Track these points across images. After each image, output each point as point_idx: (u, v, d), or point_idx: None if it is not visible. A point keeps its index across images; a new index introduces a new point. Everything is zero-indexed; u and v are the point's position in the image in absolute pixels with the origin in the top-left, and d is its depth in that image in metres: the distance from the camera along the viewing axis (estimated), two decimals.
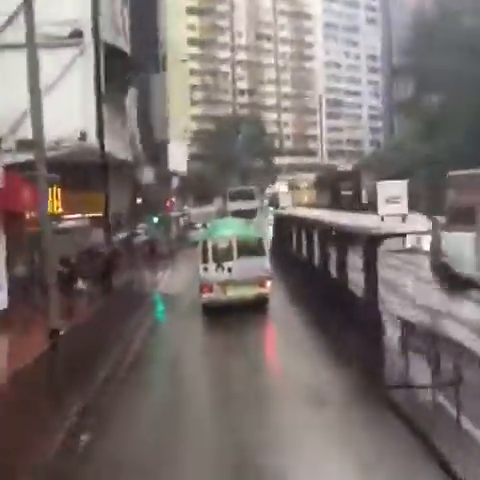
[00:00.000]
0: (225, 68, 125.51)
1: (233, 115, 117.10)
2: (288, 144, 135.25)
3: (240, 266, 23.37)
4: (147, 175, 50.85)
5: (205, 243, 24.17)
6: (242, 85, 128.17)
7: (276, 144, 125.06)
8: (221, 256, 23.67)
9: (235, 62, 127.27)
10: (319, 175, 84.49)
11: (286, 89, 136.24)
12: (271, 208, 71.39)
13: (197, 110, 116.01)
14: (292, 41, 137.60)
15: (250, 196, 62.30)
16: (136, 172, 45.56)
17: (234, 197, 61.42)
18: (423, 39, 67.55)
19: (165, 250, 47.05)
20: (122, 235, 36.87)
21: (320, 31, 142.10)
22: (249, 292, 23.16)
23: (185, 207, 74.21)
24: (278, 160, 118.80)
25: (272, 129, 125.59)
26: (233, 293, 23.17)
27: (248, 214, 47.17)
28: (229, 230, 25.16)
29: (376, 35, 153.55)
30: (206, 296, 23.55)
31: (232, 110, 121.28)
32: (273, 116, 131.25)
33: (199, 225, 56.37)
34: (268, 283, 23.69)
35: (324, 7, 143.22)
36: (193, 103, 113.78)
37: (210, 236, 24.89)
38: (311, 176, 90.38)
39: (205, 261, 23.71)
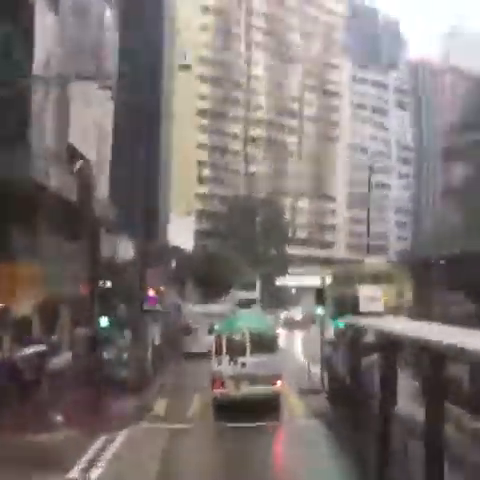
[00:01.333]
0: (237, 145, 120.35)
1: (248, 196, 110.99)
2: (301, 233, 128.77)
3: (254, 362, 24.14)
4: (124, 247, 43.68)
5: (220, 335, 25.27)
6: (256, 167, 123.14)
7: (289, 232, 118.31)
8: (235, 350, 24.46)
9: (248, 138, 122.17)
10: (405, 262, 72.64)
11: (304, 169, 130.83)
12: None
13: (204, 189, 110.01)
14: (317, 119, 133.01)
15: (253, 286, 72.25)
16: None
17: (241, 287, 70.04)
18: None
19: (132, 378, 28.55)
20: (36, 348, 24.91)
21: (346, 110, 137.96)
22: (263, 390, 23.85)
23: (179, 302, 58.43)
24: (289, 250, 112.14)
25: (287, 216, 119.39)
26: (247, 389, 23.82)
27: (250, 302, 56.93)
28: (245, 323, 25.96)
29: (405, 120, 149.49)
30: (218, 391, 24.24)
31: (246, 190, 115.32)
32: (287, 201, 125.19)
33: (200, 330, 45.31)
34: (279, 382, 24.40)
35: (350, 86, 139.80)
36: (200, 181, 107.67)
37: (225, 329, 26.06)
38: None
39: (219, 354, 24.66)
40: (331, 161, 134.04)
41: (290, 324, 68.34)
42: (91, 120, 36.44)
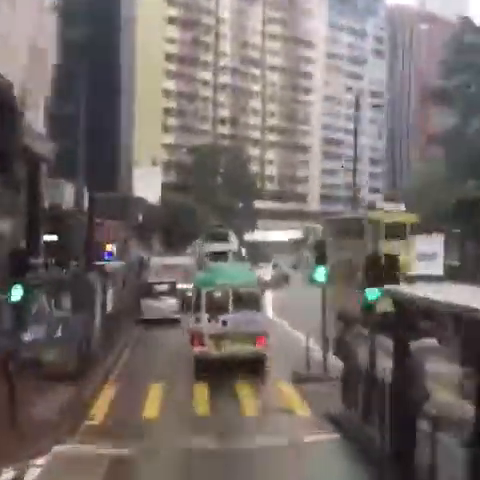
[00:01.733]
0: (205, 92, 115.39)
1: (212, 146, 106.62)
2: (271, 186, 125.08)
3: (236, 319, 22.69)
4: (63, 194, 39.64)
5: (199, 291, 23.64)
6: (223, 113, 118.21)
7: (257, 184, 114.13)
8: (215, 307, 23.09)
9: (218, 86, 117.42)
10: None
11: (273, 121, 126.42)
12: None
13: (170, 138, 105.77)
14: (284, 69, 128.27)
15: (225, 238, 65.76)
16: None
17: (211, 238, 64.35)
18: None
19: (64, 361, 20.68)
20: None
21: (321, 61, 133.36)
22: (246, 349, 22.51)
23: (143, 256, 52.36)
24: (257, 204, 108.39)
25: (254, 167, 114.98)
26: (228, 349, 22.52)
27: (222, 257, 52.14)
28: (226, 278, 24.13)
29: (381, 68, 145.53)
30: (198, 349, 22.93)
31: (213, 140, 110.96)
32: (256, 152, 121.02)
33: (164, 288, 37.94)
34: (265, 340, 22.90)
35: (327, 35, 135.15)
36: (166, 129, 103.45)
37: (205, 283, 24.02)
38: None
39: (197, 311, 23.26)
40: (304, 112, 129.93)
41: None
42: (18, 31, 30.41)
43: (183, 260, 46.15)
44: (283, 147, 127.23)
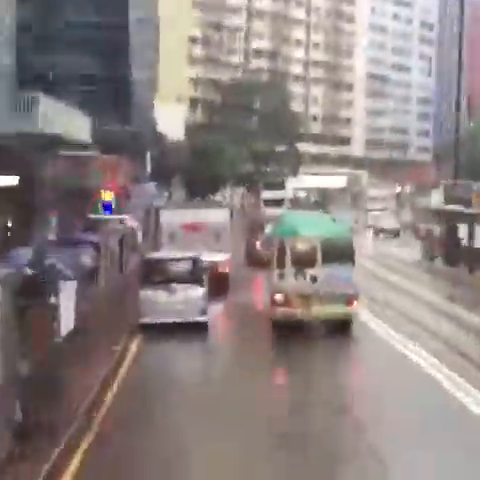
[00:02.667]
0: (238, 20, 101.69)
1: (247, 81, 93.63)
2: (315, 127, 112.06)
3: (327, 275, 20.15)
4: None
5: (282, 243, 20.72)
6: (260, 44, 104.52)
7: (301, 126, 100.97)
8: (303, 261, 20.38)
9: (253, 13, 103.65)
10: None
11: (317, 55, 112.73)
12: None
13: (196, 71, 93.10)
14: None
15: (280, 184, 70.42)
16: None
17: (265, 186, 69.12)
18: None
19: None
20: None
21: None
22: (337, 311, 20.15)
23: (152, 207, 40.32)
24: (301, 146, 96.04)
25: (296, 107, 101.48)
26: (318, 310, 19.87)
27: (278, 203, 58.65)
28: (314, 228, 21.62)
29: None
30: (281, 310, 20.14)
31: (243, 75, 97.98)
32: (298, 90, 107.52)
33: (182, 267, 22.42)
34: (355, 302, 20.43)
35: None
36: (192, 61, 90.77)
37: (289, 234, 21.08)
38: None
39: (281, 266, 20.33)
40: (348, 43, 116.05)
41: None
42: None
43: (214, 215, 30.65)
44: (327, 84, 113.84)
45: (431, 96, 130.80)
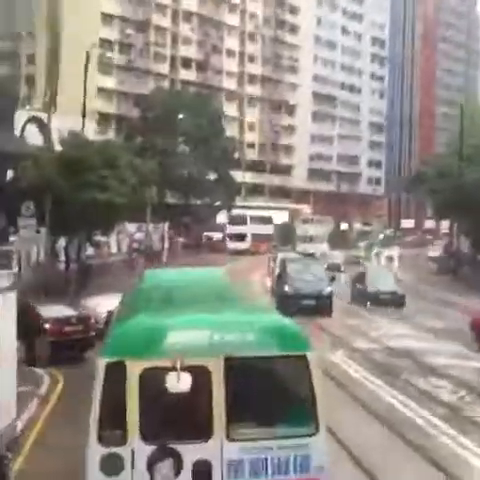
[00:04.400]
0: (162, 20, 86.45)
1: (173, 93, 79.00)
2: (251, 154, 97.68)
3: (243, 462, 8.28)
4: None
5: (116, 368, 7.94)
6: (187, 52, 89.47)
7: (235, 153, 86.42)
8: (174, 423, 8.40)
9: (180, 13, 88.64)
10: None
11: (254, 69, 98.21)
12: None
13: (109, 82, 78.04)
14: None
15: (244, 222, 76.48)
16: None
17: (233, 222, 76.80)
18: None
19: None
20: None
21: None
22: None
23: None
24: (235, 175, 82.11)
25: (230, 130, 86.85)
26: None
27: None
28: (208, 323, 8.15)
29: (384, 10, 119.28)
30: None
31: (170, 86, 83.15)
32: (232, 111, 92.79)
33: None
34: None
35: None
36: (103, 70, 75.69)
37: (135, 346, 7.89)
38: None
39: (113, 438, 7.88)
40: (290, 57, 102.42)
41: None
42: None
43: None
44: (266, 103, 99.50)
45: (383, 121, 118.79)
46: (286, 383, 8.30)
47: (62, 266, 37.70)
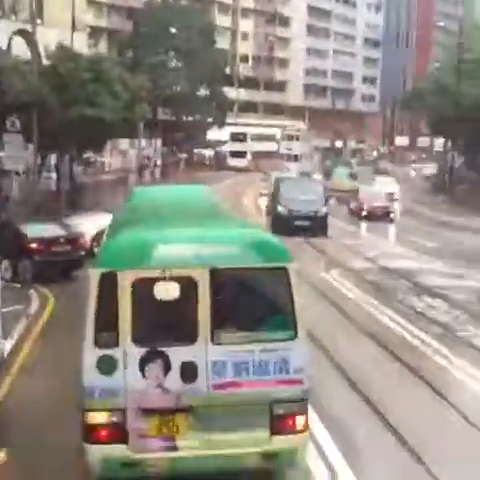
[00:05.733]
0: None
1: (165, 6, 76.57)
2: (244, 69, 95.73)
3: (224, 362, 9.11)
4: None
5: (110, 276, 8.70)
6: None
7: (227, 67, 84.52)
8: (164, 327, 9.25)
9: None
10: None
11: None
12: None
13: None
14: None
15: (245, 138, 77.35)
16: None
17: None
18: None
19: None
20: None
21: None
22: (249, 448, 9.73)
23: None
24: (228, 92, 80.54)
25: (222, 43, 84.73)
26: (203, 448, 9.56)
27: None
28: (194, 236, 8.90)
29: None
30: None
31: (161, 1, 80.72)
32: (224, 23, 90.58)
33: None
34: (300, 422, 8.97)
35: None
36: None
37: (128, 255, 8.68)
38: None
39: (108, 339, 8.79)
40: None
41: None
42: None
43: None
44: (260, 16, 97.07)
45: (378, 37, 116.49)
46: (267, 293, 8.86)
47: (53, 184, 37.05)
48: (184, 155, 74.11)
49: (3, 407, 10.91)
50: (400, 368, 13.24)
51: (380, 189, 43.60)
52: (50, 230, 20.99)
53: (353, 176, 51.35)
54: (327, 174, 56.73)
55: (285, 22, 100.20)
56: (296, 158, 68.25)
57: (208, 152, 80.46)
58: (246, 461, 8.36)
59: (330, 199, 37.14)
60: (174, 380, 8.40)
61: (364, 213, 38.94)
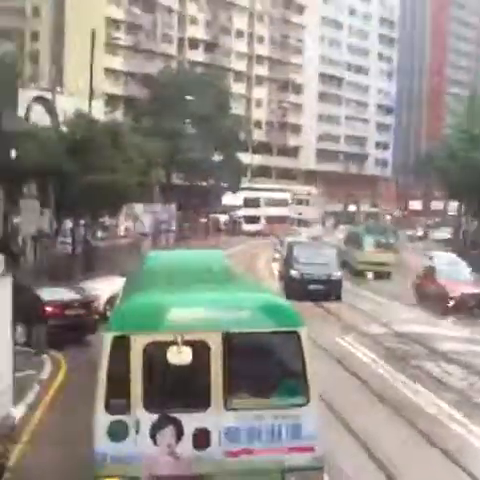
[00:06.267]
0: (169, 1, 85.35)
1: (181, 75, 77.80)
2: (258, 135, 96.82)
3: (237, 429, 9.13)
4: None
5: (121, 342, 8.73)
6: (195, 33, 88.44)
7: (241, 133, 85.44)
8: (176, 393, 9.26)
9: None
10: None
11: (262, 50, 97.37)
12: None
13: (116, 62, 77.28)
14: None
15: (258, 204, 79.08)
16: None
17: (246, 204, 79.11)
18: None
19: None
20: None
21: None
22: None
23: None
24: (242, 157, 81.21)
25: (236, 109, 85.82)
26: None
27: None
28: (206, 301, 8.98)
29: None
30: None
31: (177, 69, 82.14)
32: (239, 90, 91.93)
33: None
34: None
35: None
36: (111, 50, 74.99)
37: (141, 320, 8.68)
38: None
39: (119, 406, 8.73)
40: (297, 37, 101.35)
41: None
42: None
43: None
44: (273, 83, 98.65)
45: (391, 103, 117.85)
46: (280, 357, 8.91)
47: (68, 248, 37.27)
48: (204, 220, 74.66)
49: (13, 476, 10.68)
50: None
51: (464, 271, 32.08)
52: (65, 294, 21.05)
53: (387, 246, 43.82)
54: (353, 242, 46.29)
55: (298, 89, 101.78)
56: (306, 223, 68.96)
57: (223, 217, 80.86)
58: None
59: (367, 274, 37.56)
60: (187, 447, 8.25)
61: (451, 303, 28.42)
